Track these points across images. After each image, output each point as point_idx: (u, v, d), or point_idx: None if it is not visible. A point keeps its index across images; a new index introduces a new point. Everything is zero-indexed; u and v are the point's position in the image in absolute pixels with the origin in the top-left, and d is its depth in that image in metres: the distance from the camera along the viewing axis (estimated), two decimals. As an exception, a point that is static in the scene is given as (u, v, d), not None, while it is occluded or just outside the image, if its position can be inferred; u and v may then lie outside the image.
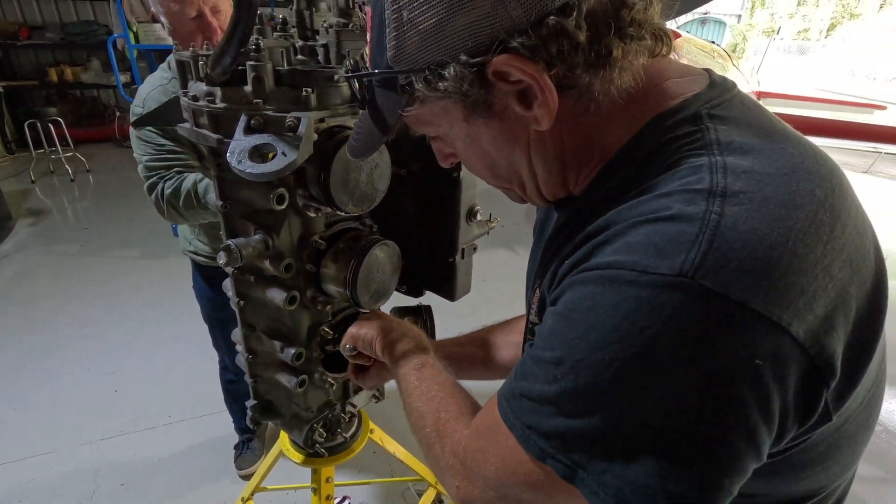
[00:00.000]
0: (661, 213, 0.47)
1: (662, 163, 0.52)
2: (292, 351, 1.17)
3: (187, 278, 2.21)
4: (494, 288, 3.67)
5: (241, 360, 1.28)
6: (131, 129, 1.74)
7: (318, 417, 1.31)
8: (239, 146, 0.85)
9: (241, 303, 1.17)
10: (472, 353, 1.17)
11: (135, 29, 4.27)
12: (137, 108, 1.71)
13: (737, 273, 0.42)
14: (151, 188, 1.66)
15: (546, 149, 0.59)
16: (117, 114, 8.67)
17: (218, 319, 2.19)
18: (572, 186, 0.63)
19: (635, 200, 0.51)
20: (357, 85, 0.65)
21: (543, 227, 0.85)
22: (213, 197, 1.07)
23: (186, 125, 1.01)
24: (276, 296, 1.10)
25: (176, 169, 1.65)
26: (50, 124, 6.91)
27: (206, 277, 2.15)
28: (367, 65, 0.61)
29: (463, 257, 1.24)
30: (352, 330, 1.09)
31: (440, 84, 0.51)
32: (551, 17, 0.46)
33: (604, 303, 0.47)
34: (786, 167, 0.48)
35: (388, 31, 0.52)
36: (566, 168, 0.61)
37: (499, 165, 0.63)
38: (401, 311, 1.31)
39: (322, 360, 1.25)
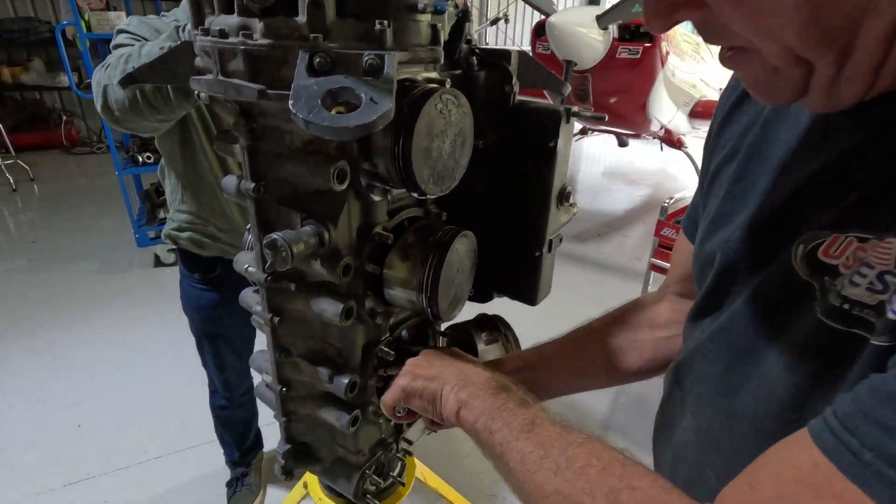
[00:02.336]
0: None
1: None
2: (345, 380, 0.89)
3: (157, 290, 1.86)
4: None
5: (265, 391, 0.99)
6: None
7: (370, 461, 1.03)
8: (305, 91, 0.58)
9: (276, 320, 0.88)
10: (587, 360, 0.92)
11: (87, 17, 3.82)
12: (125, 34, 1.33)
13: None
14: (98, 84, 1.23)
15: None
16: (63, 118, 7.98)
17: (210, 335, 1.84)
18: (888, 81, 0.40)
19: None
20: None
21: (758, 147, 0.60)
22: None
23: (205, 77, 0.72)
24: (328, 308, 0.82)
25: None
26: (-14, 128, 6.25)
27: (196, 272, 1.73)
28: None
29: (550, 250, 1.00)
30: (402, 383, 0.79)
31: None
32: None
33: None
34: None
35: None
36: None
37: (826, 18, 0.36)
38: (471, 327, 1.05)
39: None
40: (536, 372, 0.87)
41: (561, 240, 1.03)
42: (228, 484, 2.34)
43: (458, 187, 0.98)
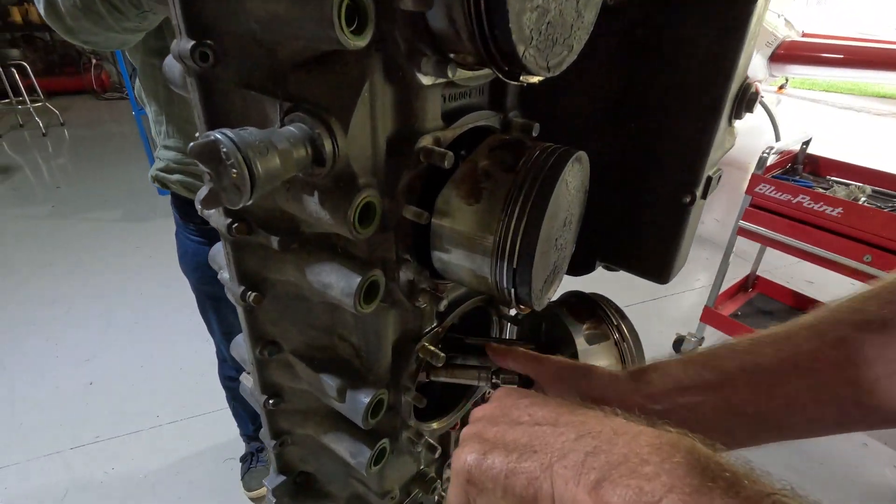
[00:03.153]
0: None
1: None
2: (364, 399, 0.54)
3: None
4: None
5: (251, 400, 0.65)
6: None
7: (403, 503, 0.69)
8: None
9: (251, 296, 0.53)
10: (823, 385, 0.51)
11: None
12: None
13: None
14: None
15: None
16: (93, 62, 7.77)
17: (213, 297, 1.53)
18: None
19: None
20: None
21: None
22: None
23: None
24: (337, 282, 0.46)
25: None
26: (14, 70, 6.07)
27: (191, 222, 1.38)
28: None
29: (705, 195, 0.60)
30: (466, 464, 0.40)
31: None
32: None
33: None
34: None
35: None
36: None
37: None
38: (562, 312, 0.67)
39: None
40: (736, 392, 0.48)
41: (720, 178, 0.62)
42: (242, 459, 2.09)
43: (561, 86, 0.59)
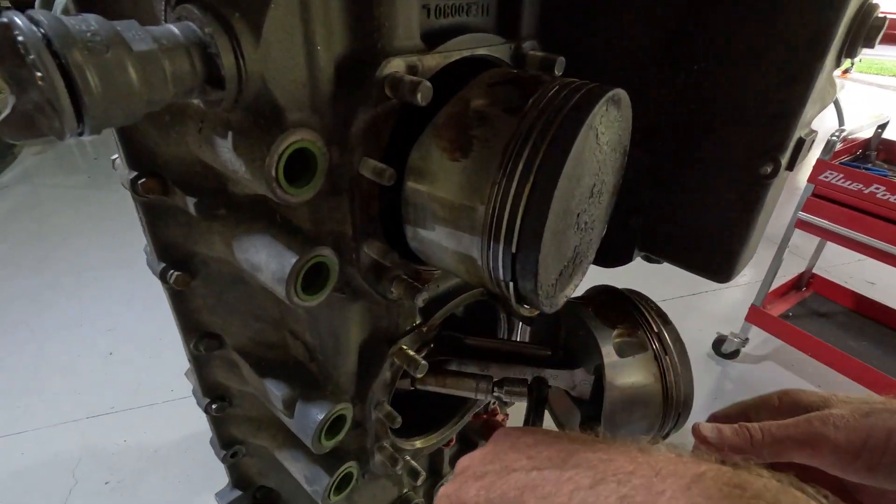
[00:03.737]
0: None
1: None
2: (317, 415, 0.41)
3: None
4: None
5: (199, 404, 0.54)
6: None
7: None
8: None
9: (175, 276, 0.41)
10: None
11: None
12: None
13: None
14: None
15: None
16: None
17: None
18: None
19: None
20: None
21: None
22: None
23: None
24: (269, 262, 0.33)
25: None
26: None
27: None
28: None
29: (791, 165, 0.44)
30: None
31: None
32: None
33: None
34: None
35: None
36: None
37: None
38: (587, 312, 0.52)
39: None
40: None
41: (813, 143, 0.46)
42: (251, 439, 2.06)
43: (601, 7, 0.43)
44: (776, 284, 2.37)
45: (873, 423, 0.33)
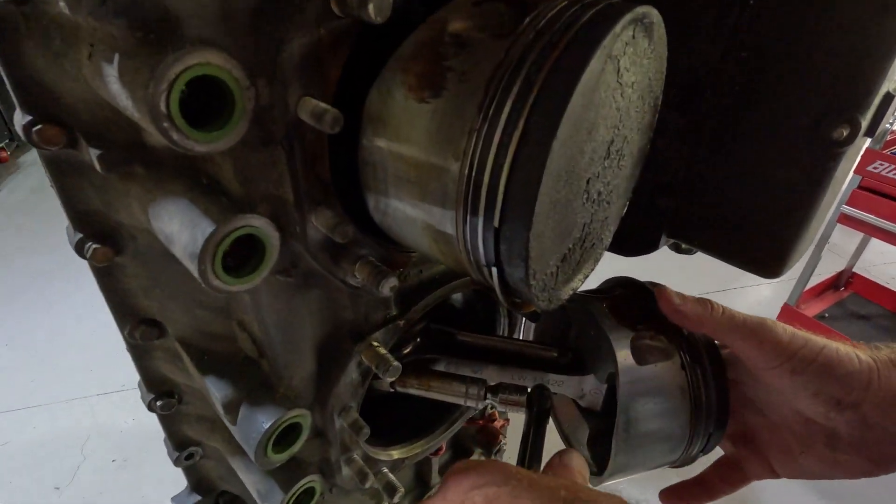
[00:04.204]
0: None
1: None
2: (263, 423, 0.34)
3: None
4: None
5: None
6: None
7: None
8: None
9: (93, 249, 0.33)
10: None
11: None
12: None
13: None
14: None
15: None
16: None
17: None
18: None
19: None
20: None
21: None
22: None
23: None
24: (181, 232, 0.25)
25: None
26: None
27: None
28: None
29: (872, 130, 0.34)
30: None
31: None
32: None
33: None
34: None
35: None
36: None
37: None
38: (601, 312, 0.43)
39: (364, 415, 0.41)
40: None
41: (898, 105, 0.36)
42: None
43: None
44: (813, 283, 2.22)
45: (813, 339, 0.37)
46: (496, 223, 0.23)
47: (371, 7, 0.22)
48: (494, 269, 0.25)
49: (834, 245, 2.84)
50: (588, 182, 0.25)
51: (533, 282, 0.25)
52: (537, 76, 0.21)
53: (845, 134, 0.32)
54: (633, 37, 0.24)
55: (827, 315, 2.25)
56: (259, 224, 0.26)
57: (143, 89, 0.20)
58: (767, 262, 0.40)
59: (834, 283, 2.42)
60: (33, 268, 3.16)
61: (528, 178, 0.21)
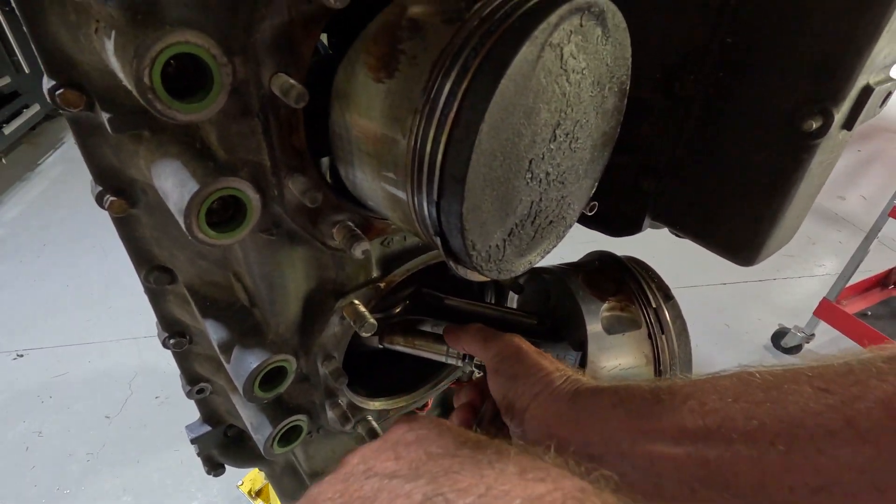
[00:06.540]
0: None
1: None
2: (252, 362, 0.38)
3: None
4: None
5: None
6: None
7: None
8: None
9: (111, 201, 0.38)
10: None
11: None
12: None
13: None
14: None
15: None
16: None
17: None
18: None
19: None
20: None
21: None
22: None
23: None
24: (173, 189, 0.29)
25: None
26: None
27: None
28: None
29: (850, 124, 0.34)
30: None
31: None
32: None
33: None
34: None
35: None
36: None
37: None
38: (575, 281, 0.46)
39: (348, 367, 0.46)
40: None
41: (888, 99, 0.35)
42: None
43: None
44: (857, 279, 2.11)
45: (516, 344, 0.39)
46: (436, 197, 0.25)
47: (332, -9, 0.24)
48: (439, 239, 0.27)
49: (889, 240, 2.67)
50: (531, 163, 0.27)
51: (473, 251, 0.27)
52: (473, 62, 0.23)
53: (815, 126, 0.32)
54: (581, 25, 0.25)
55: (869, 313, 2.15)
56: (239, 186, 0.29)
57: (129, 64, 0.24)
58: (740, 251, 0.40)
59: (882, 281, 2.29)
60: (94, 217, 3.37)
61: (459, 157, 0.23)
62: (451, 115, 0.23)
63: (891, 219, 1.83)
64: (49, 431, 2.00)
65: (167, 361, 2.51)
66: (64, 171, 3.77)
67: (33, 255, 2.99)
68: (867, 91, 0.32)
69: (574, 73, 0.26)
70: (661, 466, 0.29)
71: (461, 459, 0.22)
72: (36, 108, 3.67)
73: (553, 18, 0.23)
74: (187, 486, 1.84)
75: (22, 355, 2.36)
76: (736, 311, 2.56)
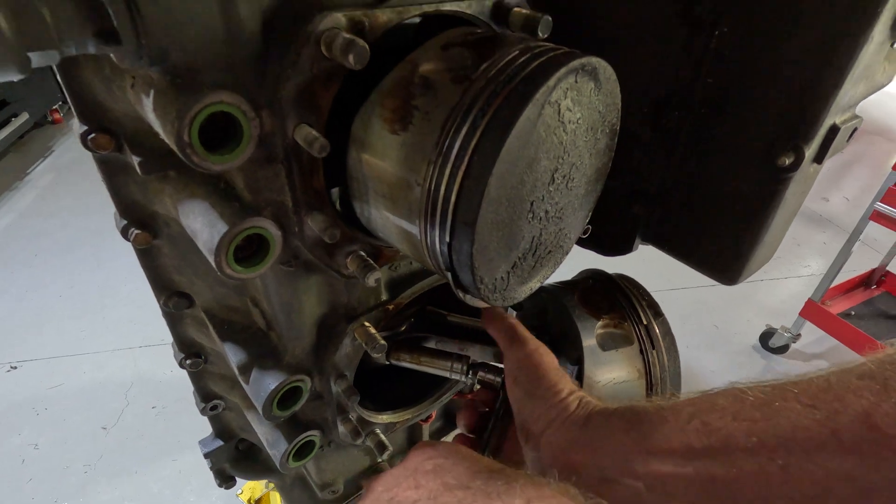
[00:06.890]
0: None
1: None
2: (270, 383, 0.41)
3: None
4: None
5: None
6: None
7: (350, 499, 0.58)
8: None
9: (135, 234, 0.40)
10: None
11: None
12: None
13: None
14: None
15: None
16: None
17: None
18: None
19: None
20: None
21: None
22: None
23: None
24: (203, 229, 0.32)
25: None
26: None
27: None
28: None
29: (820, 158, 0.37)
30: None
31: None
32: None
33: None
34: None
35: None
36: None
37: None
38: (569, 300, 0.49)
39: (356, 383, 0.48)
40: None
41: (853, 134, 0.39)
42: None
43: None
44: (841, 280, 2.17)
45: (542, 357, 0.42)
46: (448, 238, 0.28)
47: (351, 56, 0.27)
48: (449, 274, 0.30)
49: (873, 241, 2.74)
50: (532, 204, 0.30)
51: (481, 285, 0.30)
52: (481, 121, 0.26)
53: (788, 162, 0.35)
54: (576, 81, 0.28)
55: (853, 313, 2.21)
56: (265, 226, 0.32)
57: (171, 123, 0.26)
58: (725, 270, 0.43)
59: (865, 281, 2.36)
60: (87, 226, 3.37)
61: (470, 205, 0.26)
62: (462, 168, 0.26)
63: (871, 221, 1.88)
64: (45, 444, 1.99)
65: (163, 371, 2.50)
66: (54, 179, 3.74)
67: (25, 265, 2.97)
68: (834, 130, 0.35)
69: (570, 123, 0.29)
70: (673, 485, 0.31)
71: (473, 492, 0.24)
72: (25, 116, 3.65)
73: (552, 81, 0.26)
74: (186, 496, 1.84)
75: (15, 367, 2.34)
76: (725, 312, 2.61)
